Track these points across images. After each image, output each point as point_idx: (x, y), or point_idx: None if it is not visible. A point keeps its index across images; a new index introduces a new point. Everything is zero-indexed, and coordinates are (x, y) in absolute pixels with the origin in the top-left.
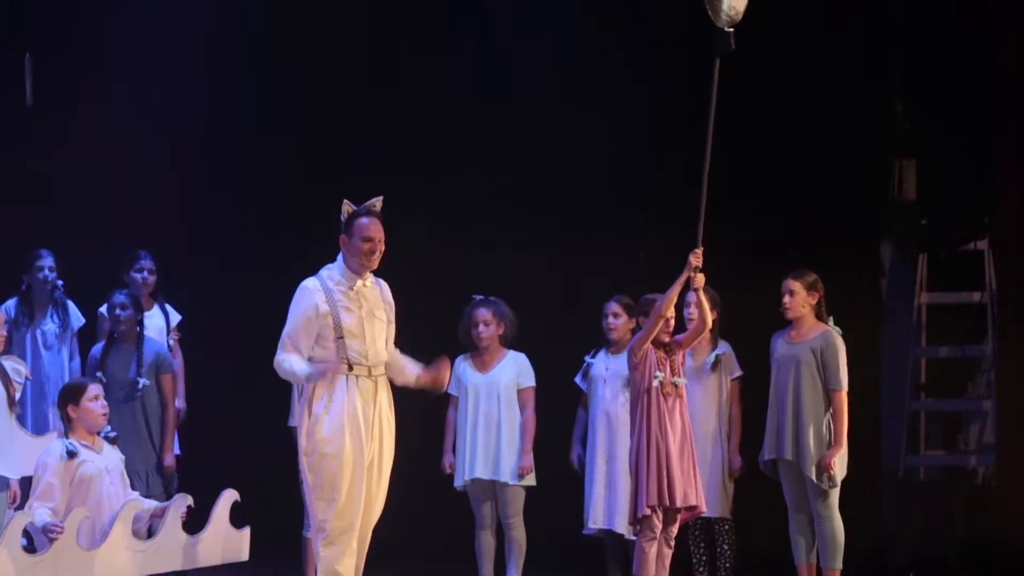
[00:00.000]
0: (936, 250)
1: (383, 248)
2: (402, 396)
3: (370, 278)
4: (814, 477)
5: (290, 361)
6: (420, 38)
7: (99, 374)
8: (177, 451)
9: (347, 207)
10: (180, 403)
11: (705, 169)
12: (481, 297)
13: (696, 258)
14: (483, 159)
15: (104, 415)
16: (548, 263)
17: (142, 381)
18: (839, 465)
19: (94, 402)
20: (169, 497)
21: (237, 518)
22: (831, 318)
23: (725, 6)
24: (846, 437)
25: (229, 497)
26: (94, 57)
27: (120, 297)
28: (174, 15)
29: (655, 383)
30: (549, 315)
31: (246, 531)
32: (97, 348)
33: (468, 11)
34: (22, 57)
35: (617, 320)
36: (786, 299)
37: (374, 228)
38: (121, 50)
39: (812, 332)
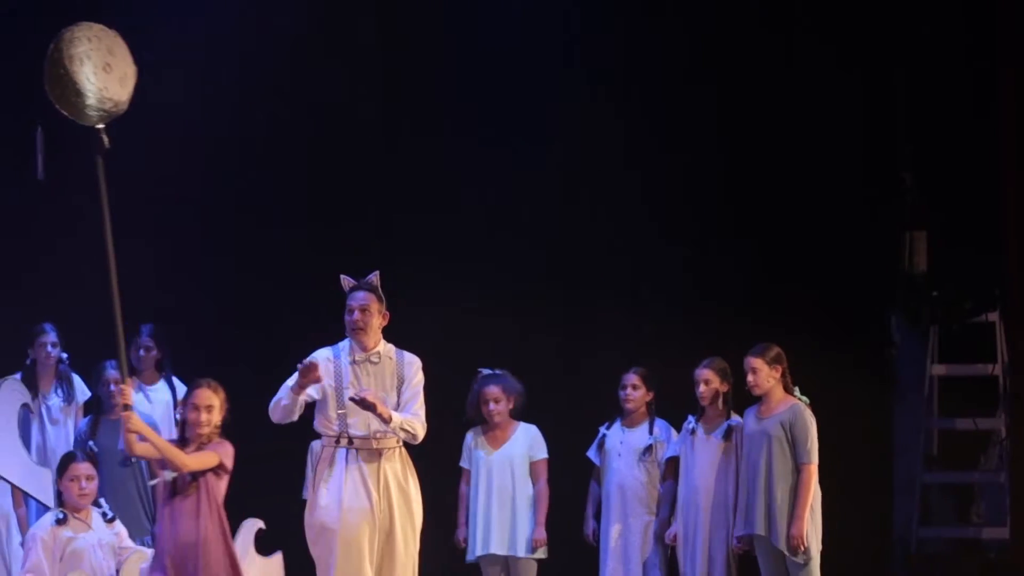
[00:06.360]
0: (947, 322)
1: (370, 320)
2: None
3: (381, 351)
4: (787, 552)
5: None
6: (422, 121)
7: (91, 443)
8: None
9: (345, 283)
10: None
11: (111, 278)
12: (488, 371)
13: (122, 396)
14: (490, 230)
15: (84, 495)
16: (559, 333)
17: None
18: (813, 539)
19: (73, 481)
20: None
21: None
22: (797, 388)
23: (94, 101)
24: (809, 510)
25: (251, 526)
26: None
27: (113, 372)
28: (187, 102)
29: None
30: (560, 386)
31: (278, 556)
32: (83, 422)
33: (469, 93)
34: (34, 132)
35: (635, 392)
36: (750, 377)
37: (355, 300)
38: (126, 126)
39: (781, 406)
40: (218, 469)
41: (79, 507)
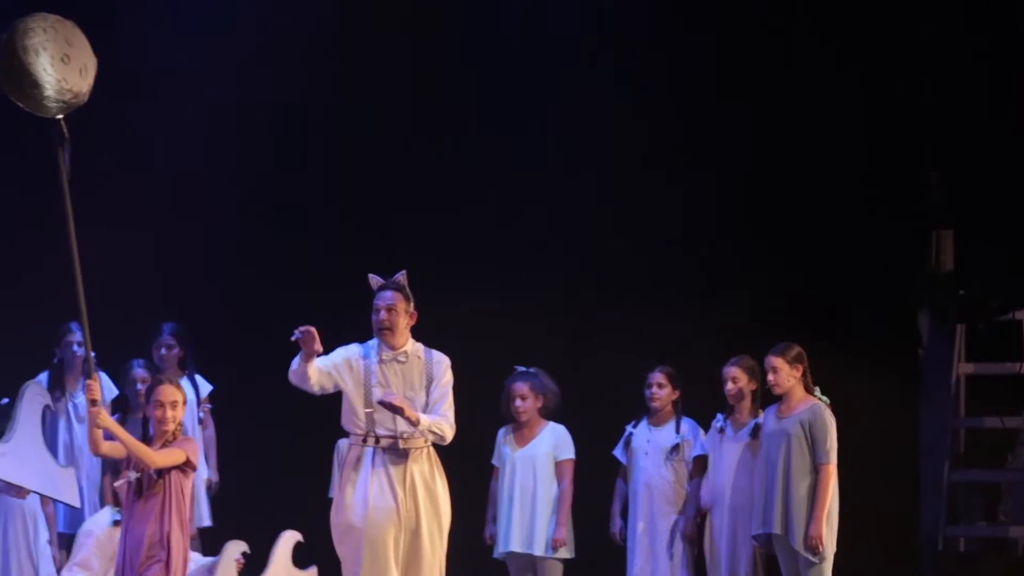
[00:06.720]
0: (974, 321)
1: (397, 320)
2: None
3: (409, 350)
4: (802, 551)
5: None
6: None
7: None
8: (208, 522)
9: (373, 282)
10: (213, 475)
11: (75, 269)
12: (522, 369)
13: (89, 391)
14: (522, 231)
15: None
16: (587, 332)
17: None
18: (829, 539)
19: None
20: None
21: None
22: (818, 388)
23: (52, 92)
24: (828, 511)
25: (290, 538)
26: (121, 130)
27: (140, 371)
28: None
29: None
30: (581, 385)
31: (312, 571)
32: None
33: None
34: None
35: (661, 391)
36: (770, 376)
37: (382, 300)
38: (149, 124)
39: (801, 405)
40: (184, 466)
41: None
